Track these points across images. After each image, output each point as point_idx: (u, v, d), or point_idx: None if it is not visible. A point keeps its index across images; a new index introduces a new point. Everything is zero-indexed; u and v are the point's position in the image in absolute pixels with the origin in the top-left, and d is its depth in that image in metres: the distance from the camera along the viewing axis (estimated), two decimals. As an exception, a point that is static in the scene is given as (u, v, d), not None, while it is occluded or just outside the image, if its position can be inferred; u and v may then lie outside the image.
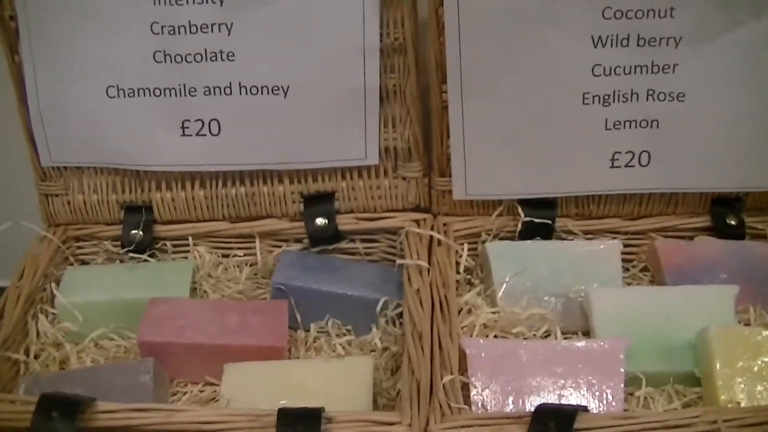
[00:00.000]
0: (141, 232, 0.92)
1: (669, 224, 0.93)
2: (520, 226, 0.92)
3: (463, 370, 0.77)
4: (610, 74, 0.86)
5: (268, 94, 0.87)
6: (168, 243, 0.93)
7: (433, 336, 0.79)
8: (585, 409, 0.71)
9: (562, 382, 0.78)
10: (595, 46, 0.85)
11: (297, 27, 0.85)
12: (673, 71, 0.86)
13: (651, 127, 0.88)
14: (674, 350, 0.82)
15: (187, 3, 0.83)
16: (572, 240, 0.93)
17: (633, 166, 0.90)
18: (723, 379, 0.77)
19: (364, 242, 0.93)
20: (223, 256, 0.93)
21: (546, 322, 0.86)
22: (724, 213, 0.93)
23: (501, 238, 0.92)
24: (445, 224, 0.92)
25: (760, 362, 0.78)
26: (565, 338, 0.85)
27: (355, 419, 0.70)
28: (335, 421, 0.69)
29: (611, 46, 0.85)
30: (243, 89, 0.87)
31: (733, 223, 0.93)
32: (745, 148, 0.89)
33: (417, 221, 0.92)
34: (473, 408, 0.76)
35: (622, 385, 0.77)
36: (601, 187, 0.91)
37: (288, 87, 0.87)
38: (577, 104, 0.87)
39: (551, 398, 0.77)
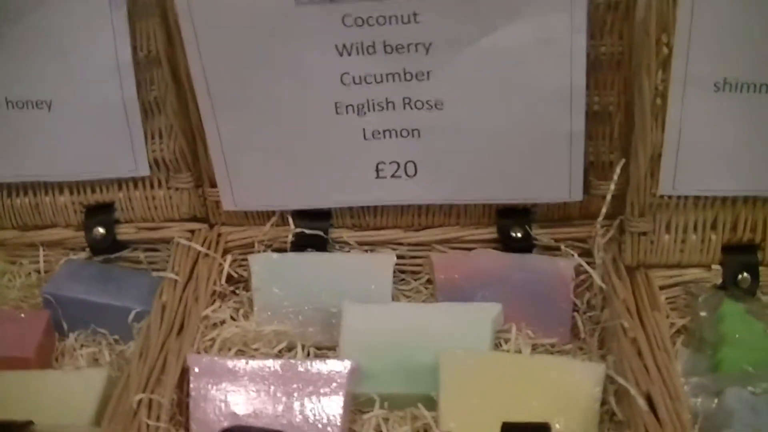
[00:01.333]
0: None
1: (453, 236, 0.89)
2: (291, 237, 0.90)
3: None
4: (360, 83, 0.83)
5: (32, 108, 0.88)
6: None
7: (162, 351, 0.80)
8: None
9: (280, 404, 0.77)
10: (341, 55, 0.82)
11: (52, 43, 0.86)
12: (428, 78, 0.82)
13: (412, 136, 0.85)
14: (419, 372, 0.78)
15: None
16: (347, 252, 0.90)
17: (400, 177, 0.87)
18: (446, 405, 0.75)
19: (147, 251, 0.93)
20: (13, 263, 0.96)
21: (289, 337, 0.84)
22: (510, 225, 0.89)
23: (275, 249, 0.90)
24: (219, 234, 0.91)
25: (487, 388, 0.76)
26: (317, 355, 0.84)
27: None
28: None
29: (357, 54, 0.81)
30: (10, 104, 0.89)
31: (518, 235, 0.88)
32: (520, 158, 0.85)
33: (192, 231, 0.91)
34: (193, 426, 0.76)
35: (340, 410, 0.76)
36: (370, 197, 0.88)
37: (51, 102, 0.88)
38: (331, 115, 0.84)
39: (266, 420, 0.76)
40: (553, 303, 0.85)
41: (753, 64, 0.78)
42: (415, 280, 0.90)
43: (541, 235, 0.88)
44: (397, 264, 0.89)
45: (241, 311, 0.88)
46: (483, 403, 0.75)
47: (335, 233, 0.90)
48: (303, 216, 0.90)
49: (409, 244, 0.90)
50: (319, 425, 0.75)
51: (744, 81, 0.79)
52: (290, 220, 0.90)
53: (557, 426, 0.73)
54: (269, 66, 0.83)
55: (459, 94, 0.83)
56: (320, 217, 0.90)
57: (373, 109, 0.84)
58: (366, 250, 0.90)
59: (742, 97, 0.79)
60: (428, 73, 0.82)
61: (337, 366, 0.78)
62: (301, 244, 0.90)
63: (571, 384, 0.76)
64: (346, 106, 0.84)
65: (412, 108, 0.84)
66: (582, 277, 0.86)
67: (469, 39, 0.80)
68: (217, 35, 0.82)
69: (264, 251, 0.90)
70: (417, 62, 0.82)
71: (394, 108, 0.84)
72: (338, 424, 0.75)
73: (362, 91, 0.83)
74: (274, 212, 0.91)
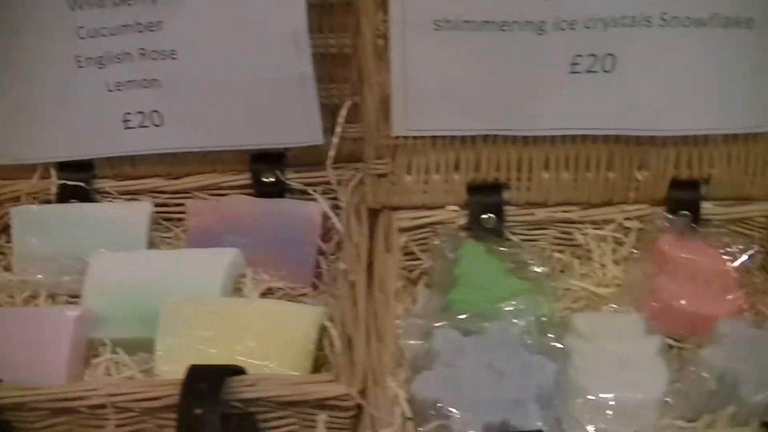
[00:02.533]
0: None
1: (210, 182, 0.90)
2: (55, 189, 0.91)
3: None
4: (96, 36, 0.83)
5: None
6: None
7: None
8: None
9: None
10: (73, 9, 0.82)
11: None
12: (160, 29, 0.83)
13: (153, 86, 0.85)
14: (152, 317, 0.78)
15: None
16: (109, 202, 0.92)
17: (147, 126, 0.87)
18: (163, 349, 0.77)
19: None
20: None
21: (41, 286, 0.86)
22: (262, 170, 0.89)
23: (43, 202, 0.91)
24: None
25: (205, 333, 0.77)
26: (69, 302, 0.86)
27: None
28: None
29: (89, 7, 0.82)
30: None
31: (270, 180, 0.89)
32: (259, 104, 0.85)
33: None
34: None
35: (66, 355, 0.77)
36: (123, 147, 0.89)
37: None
38: (73, 69, 0.85)
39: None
40: (299, 247, 0.86)
41: (470, 1, 0.77)
42: (177, 227, 0.91)
43: (294, 180, 0.89)
44: (159, 212, 0.91)
45: (4, 263, 0.89)
46: (199, 346, 0.76)
47: (98, 184, 0.91)
48: (66, 168, 0.91)
49: (170, 192, 0.91)
50: (43, 371, 0.77)
51: (463, 19, 0.78)
52: (52, 172, 0.91)
53: (270, 365, 0.74)
54: (7, 25, 0.83)
55: (191, 43, 0.83)
56: (83, 168, 0.91)
57: (113, 62, 0.85)
58: (128, 199, 0.91)
59: (464, 36, 0.79)
60: (159, 23, 0.83)
61: (62, 312, 0.79)
62: (66, 195, 0.91)
63: (287, 326, 0.77)
64: (86, 59, 0.85)
65: (148, 59, 0.84)
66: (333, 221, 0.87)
67: (193, -13, 0.81)
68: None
69: (32, 204, 0.92)
70: (146, 12, 0.82)
71: (132, 60, 0.85)
72: (63, 370, 0.76)
73: (99, 44, 0.84)
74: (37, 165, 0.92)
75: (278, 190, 0.89)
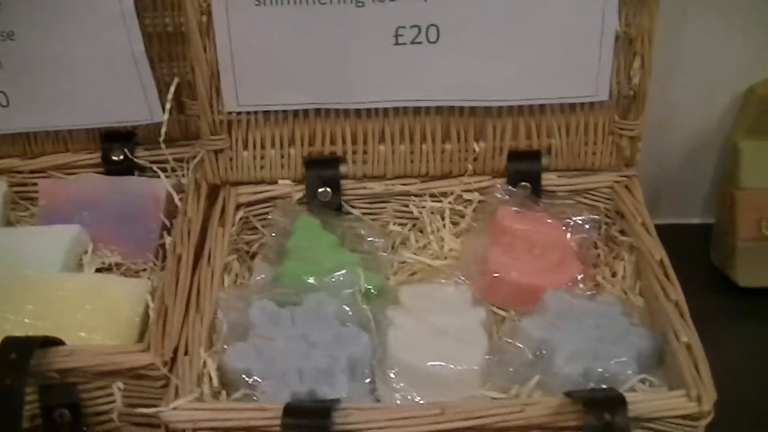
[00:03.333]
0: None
1: (64, 162, 0.92)
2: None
3: None
4: None
5: None
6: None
7: None
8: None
9: None
10: None
11: None
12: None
13: (-4, 68, 0.87)
14: None
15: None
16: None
17: (-15, 108, 0.89)
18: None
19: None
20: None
21: None
22: (112, 149, 0.90)
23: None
24: None
25: (37, 308, 0.78)
26: None
27: None
28: None
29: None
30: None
31: (119, 158, 0.90)
32: (99, 83, 0.87)
33: None
34: None
35: None
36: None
37: None
38: None
39: None
40: (142, 223, 0.87)
41: (288, -25, 0.78)
42: (34, 206, 0.92)
43: (143, 158, 0.90)
44: (17, 191, 0.92)
45: None
46: (26, 320, 0.77)
47: (-47, 162, 0.93)
48: None
49: (26, 172, 0.92)
50: None
51: (284, -7, 0.79)
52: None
53: (97, 338, 0.76)
54: None
55: (27, 23, 0.84)
56: None
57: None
58: (-5, 183, 0.93)
59: (284, 11, 0.79)
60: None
61: None
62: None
63: (113, 300, 0.78)
64: None
65: (-20, 40, 0.85)
66: (181, 196, 0.88)
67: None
68: None
69: None
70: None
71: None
72: None
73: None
74: None
75: (127, 168, 0.90)
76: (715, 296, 0.94)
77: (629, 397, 0.63)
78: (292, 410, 0.64)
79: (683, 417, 0.64)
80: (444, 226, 0.87)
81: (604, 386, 0.68)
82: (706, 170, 1.03)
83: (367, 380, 0.72)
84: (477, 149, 0.85)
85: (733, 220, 0.94)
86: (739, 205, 0.94)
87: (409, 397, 0.71)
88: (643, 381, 0.69)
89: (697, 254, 1.00)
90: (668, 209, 1.03)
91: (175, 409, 0.65)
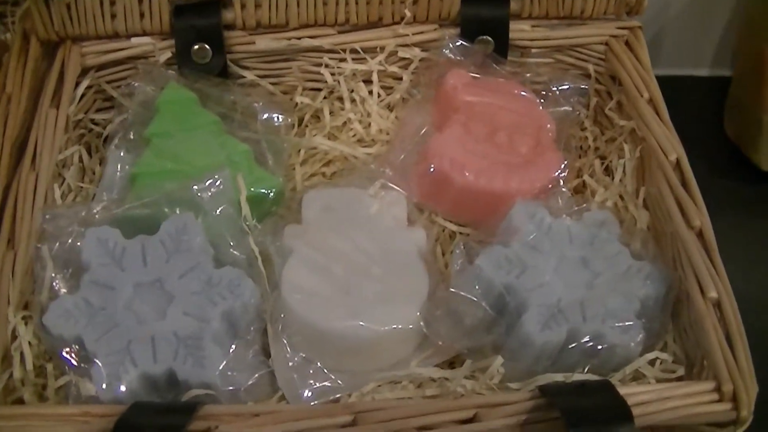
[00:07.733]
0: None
1: None
2: None
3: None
4: None
5: None
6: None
7: None
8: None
9: None
10: None
11: None
12: None
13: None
14: None
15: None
16: None
17: None
18: None
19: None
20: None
21: None
22: None
23: None
24: None
25: None
26: None
27: None
28: None
29: None
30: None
31: None
32: None
33: None
34: None
35: None
36: None
37: None
38: None
39: None
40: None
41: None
42: None
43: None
44: None
45: None
46: None
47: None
48: None
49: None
50: None
51: None
52: None
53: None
54: None
55: None
56: None
57: None
58: None
59: None
60: None
61: None
62: None
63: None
64: None
65: None
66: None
67: None
68: None
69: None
70: None
71: None
72: None
73: None
74: None
75: None
76: (729, 179, 0.78)
77: (633, 399, 0.45)
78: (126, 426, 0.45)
79: (710, 425, 0.48)
80: (371, 95, 0.68)
81: (596, 378, 0.50)
82: (721, 10, 0.82)
83: (253, 348, 0.54)
84: (420, -14, 0.67)
85: (760, 84, 0.74)
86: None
87: (312, 372, 0.53)
88: (651, 362, 0.52)
89: (706, 120, 0.81)
90: (671, 57, 0.84)
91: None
